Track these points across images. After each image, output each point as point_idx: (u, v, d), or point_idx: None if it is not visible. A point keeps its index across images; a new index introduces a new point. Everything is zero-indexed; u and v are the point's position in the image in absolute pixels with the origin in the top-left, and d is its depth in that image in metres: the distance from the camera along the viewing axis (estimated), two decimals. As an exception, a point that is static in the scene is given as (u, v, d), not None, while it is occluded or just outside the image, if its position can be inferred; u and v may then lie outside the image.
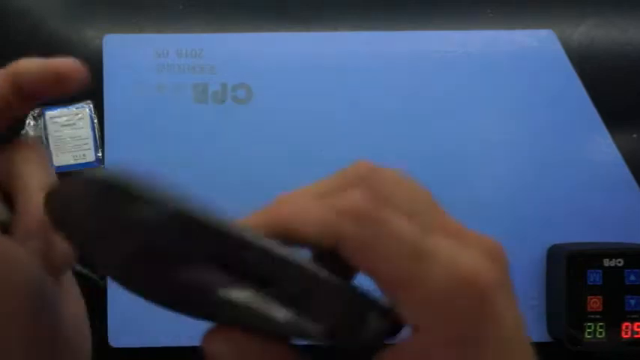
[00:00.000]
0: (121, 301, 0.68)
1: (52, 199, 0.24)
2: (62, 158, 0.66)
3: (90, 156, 0.67)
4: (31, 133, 0.66)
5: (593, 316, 0.66)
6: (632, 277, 0.67)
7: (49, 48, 0.68)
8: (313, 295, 0.23)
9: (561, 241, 0.69)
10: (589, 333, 0.66)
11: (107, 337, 0.68)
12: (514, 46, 0.70)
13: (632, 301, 0.67)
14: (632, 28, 0.71)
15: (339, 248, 0.22)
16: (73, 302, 0.28)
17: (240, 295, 0.23)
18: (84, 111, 0.68)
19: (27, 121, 0.67)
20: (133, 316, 0.68)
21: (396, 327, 0.24)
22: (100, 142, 0.68)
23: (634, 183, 0.70)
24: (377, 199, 0.22)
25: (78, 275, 0.30)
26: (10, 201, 0.28)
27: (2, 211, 0.27)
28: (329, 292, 0.23)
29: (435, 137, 0.69)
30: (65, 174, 0.65)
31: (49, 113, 0.67)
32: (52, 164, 0.65)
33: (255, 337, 0.23)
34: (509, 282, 0.23)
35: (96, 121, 0.68)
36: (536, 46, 0.70)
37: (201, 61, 0.69)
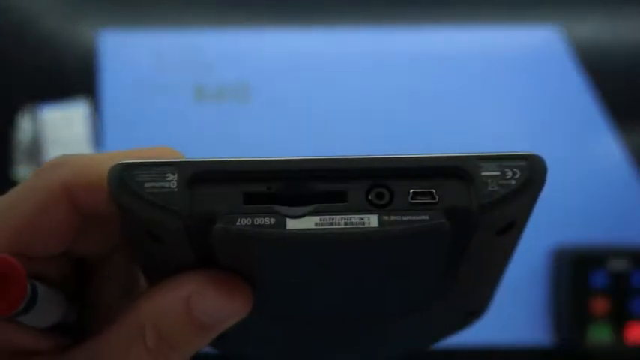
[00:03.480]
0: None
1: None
2: (59, 157, 0.65)
3: (87, 154, 0.66)
4: (27, 131, 0.66)
5: (597, 319, 0.66)
6: (639, 279, 0.66)
7: (43, 44, 0.67)
8: None
9: (566, 241, 0.68)
10: (593, 336, 0.65)
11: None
12: (518, 42, 0.68)
13: (639, 304, 0.66)
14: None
15: None
16: None
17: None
18: (80, 109, 0.67)
19: (22, 120, 0.66)
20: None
21: None
22: (96, 140, 0.67)
23: (642, 183, 0.69)
24: None
25: None
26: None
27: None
28: None
29: (438, 137, 0.68)
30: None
31: (45, 112, 0.67)
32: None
33: None
34: None
35: (92, 119, 0.67)
36: (542, 42, 0.68)
37: (200, 59, 0.68)
